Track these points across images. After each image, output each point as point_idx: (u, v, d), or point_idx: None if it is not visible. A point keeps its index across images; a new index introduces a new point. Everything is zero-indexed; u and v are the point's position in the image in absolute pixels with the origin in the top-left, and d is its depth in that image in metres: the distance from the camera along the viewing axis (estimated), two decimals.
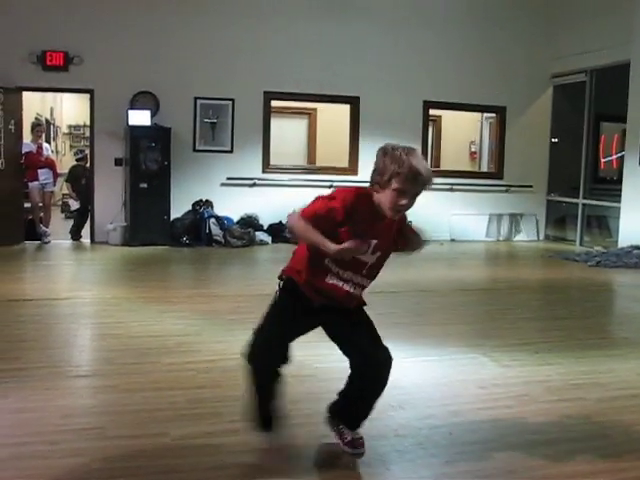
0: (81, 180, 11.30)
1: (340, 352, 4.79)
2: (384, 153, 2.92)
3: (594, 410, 3.96)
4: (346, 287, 3.04)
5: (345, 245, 2.82)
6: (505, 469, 3.15)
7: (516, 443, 3.43)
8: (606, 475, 3.11)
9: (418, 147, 3.00)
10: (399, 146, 2.91)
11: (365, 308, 3.23)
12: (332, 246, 2.84)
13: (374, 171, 2.95)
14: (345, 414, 3.28)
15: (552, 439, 3.50)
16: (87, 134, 12.85)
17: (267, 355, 3.23)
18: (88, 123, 11.45)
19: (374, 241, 2.97)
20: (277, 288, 3.24)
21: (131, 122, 10.49)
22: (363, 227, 2.92)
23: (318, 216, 2.92)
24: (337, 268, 3.02)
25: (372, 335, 3.17)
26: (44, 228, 10.74)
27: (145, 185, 10.53)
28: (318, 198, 3.03)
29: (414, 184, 2.84)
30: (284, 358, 3.20)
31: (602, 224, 12.38)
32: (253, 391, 3.23)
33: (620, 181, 11.16)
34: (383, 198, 2.90)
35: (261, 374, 3.23)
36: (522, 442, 3.44)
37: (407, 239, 3.12)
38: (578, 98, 12.24)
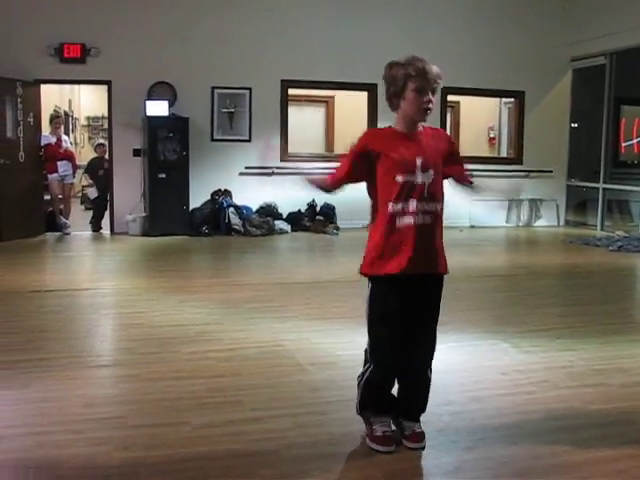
0: (99, 171, 11.35)
1: (359, 340, 4.80)
2: (390, 66, 3.11)
3: (616, 396, 3.93)
4: (418, 220, 3.05)
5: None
6: (527, 455, 3.13)
7: (538, 429, 3.41)
8: (629, 460, 3.09)
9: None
10: (395, 60, 3.13)
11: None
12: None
13: (387, 87, 3.11)
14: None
15: (574, 425, 3.47)
16: (105, 125, 12.88)
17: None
18: (106, 114, 11.48)
19: (419, 159, 3.05)
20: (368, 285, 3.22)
21: (149, 113, 10.51)
22: (396, 149, 3.05)
23: (351, 163, 3.15)
24: (400, 204, 3.04)
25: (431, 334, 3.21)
26: (64, 220, 10.81)
27: (164, 175, 10.55)
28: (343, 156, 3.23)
29: (427, 80, 3.01)
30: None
31: (623, 208, 12.26)
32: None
33: None
34: (407, 107, 3.06)
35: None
36: (544, 428, 3.42)
37: (456, 169, 3.25)
38: (598, 82, 12.09)
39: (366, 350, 3.26)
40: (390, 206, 3.06)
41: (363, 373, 3.26)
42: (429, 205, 3.07)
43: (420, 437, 3.20)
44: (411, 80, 3.00)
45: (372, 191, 3.17)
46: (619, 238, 10.41)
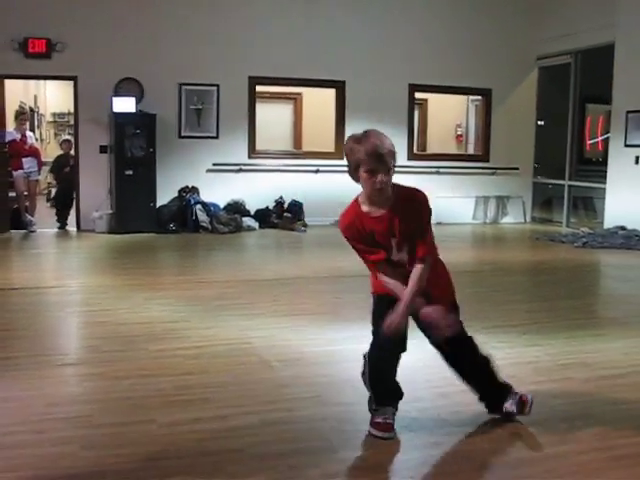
0: (64, 169, 11.22)
1: (326, 337, 4.80)
2: (346, 145, 3.17)
3: (581, 390, 3.98)
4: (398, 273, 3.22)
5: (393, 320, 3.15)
6: (493, 449, 3.17)
7: (504, 424, 3.43)
8: (594, 453, 3.13)
9: (376, 129, 3.17)
10: (353, 136, 3.15)
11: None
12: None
13: (347, 161, 3.16)
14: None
15: (539, 419, 3.50)
16: (71, 122, 12.72)
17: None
18: (72, 111, 11.34)
19: (394, 239, 3.18)
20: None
21: (115, 109, 10.41)
22: (369, 237, 3.16)
23: (359, 250, 3.24)
24: (386, 277, 3.23)
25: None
26: (29, 217, 10.67)
27: (131, 172, 10.46)
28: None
29: (377, 161, 3.03)
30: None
31: (588, 205, 12.43)
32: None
33: (605, 162, 11.19)
34: (364, 187, 3.14)
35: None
36: (510, 422, 3.45)
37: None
38: (563, 80, 12.24)
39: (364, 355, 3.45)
40: (382, 278, 3.24)
41: (364, 365, 3.43)
42: (410, 268, 3.21)
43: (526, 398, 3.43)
44: (362, 163, 3.06)
45: (364, 246, 3.26)
46: (584, 234, 10.55)
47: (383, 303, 3.29)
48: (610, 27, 10.74)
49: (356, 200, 3.22)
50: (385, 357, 3.32)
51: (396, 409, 3.36)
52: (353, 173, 3.13)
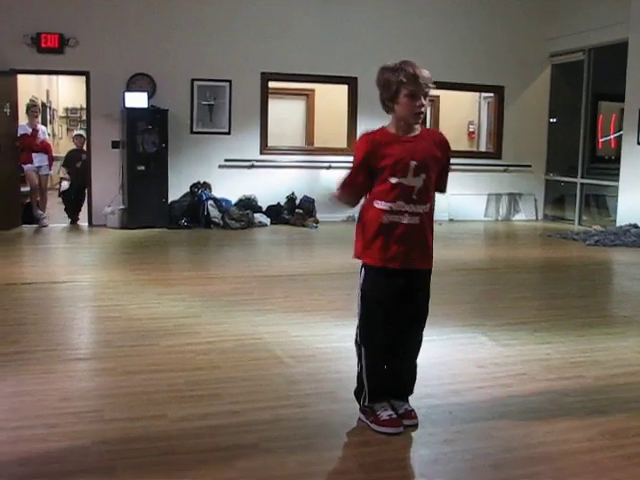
0: (76, 163, 11.26)
1: (338, 333, 4.80)
2: (382, 71, 3.22)
3: (593, 388, 3.97)
4: (404, 220, 3.19)
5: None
6: (504, 447, 3.16)
7: (515, 421, 3.43)
8: (605, 451, 3.12)
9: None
10: (386, 66, 3.23)
11: (357, 286, 3.30)
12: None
13: (380, 91, 3.22)
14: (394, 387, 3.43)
15: (551, 417, 3.50)
16: (84, 117, 12.77)
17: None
18: (84, 106, 11.37)
19: (413, 162, 3.17)
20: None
21: (128, 104, 10.43)
22: (392, 151, 3.16)
23: (358, 171, 3.24)
24: (388, 203, 3.19)
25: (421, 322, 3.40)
26: (40, 211, 10.71)
27: (143, 168, 10.49)
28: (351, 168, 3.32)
29: (418, 85, 3.13)
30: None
31: (600, 203, 12.36)
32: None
33: (618, 160, 11.13)
34: (400, 111, 3.18)
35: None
36: (521, 420, 3.44)
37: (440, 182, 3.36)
38: (576, 77, 12.17)
39: (356, 340, 3.37)
40: (380, 205, 3.21)
41: (359, 363, 3.37)
42: (416, 207, 3.20)
43: (415, 414, 3.35)
44: (403, 86, 3.11)
45: (366, 191, 3.30)
46: (596, 232, 10.50)
47: (380, 276, 3.25)
48: (623, 24, 10.68)
49: (382, 126, 3.27)
50: (380, 348, 3.32)
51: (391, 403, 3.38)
52: (389, 100, 3.16)
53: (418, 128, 3.25)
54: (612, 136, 12.22)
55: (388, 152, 3.17)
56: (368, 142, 3.22)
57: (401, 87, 3.11)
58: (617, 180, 11.02)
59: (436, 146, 3.27)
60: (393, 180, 3.16)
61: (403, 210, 3.18)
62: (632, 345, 4.88)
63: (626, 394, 3.88)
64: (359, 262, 3.37)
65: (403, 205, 3.18)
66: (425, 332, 3.42)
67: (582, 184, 12.18)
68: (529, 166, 12.78)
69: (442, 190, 3.39)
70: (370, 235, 3.24)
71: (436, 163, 3.26)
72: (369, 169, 3.21)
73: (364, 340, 3.32)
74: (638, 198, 10.44)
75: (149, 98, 10.57)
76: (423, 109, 3.15)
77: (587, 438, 3.26)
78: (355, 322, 3.40)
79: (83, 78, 10.88)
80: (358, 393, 3.42)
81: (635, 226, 10.25)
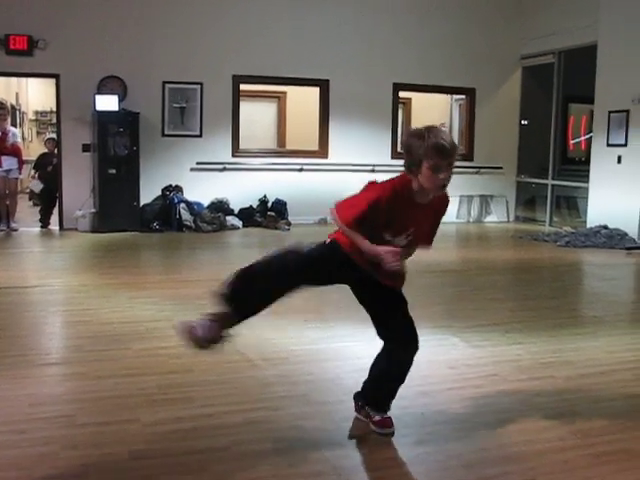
0: (47, 167, 11.14)
1: (311, 336, 4.80)
2: (407, 139, 3.06)
3: (563, 388, 4.01)
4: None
5: (382, 252, 3.01)
6: (476, 447, 3.18)
7: (487, 422, 3.45)
8: (575, 450, 3.16)
9: (441, 126, 3.11)
10: (414, 131, 3.04)
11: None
12: (369, 247, 3.04)
13: (405, 156, 3.05)
14: (373, 397, 3.37)
15: (522, 417, 3.54)
16: (54, 120, 12.64)
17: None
18: (55, 109, 11.27)
19: (412, 229, 3.14)
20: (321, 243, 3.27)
21: (98, 107, 10.34)
22: (402, 217, 3.08)
23: (363, 216, 3.02)
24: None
25: (408, 318, 3.26)
26: (9, 216, 10.56)
27: (114, 171, 10.43)
28: (359, 196, 3.10)
29: (443, 157, 2.94)
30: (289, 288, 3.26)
31: (571, 204, 12.50)
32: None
33: (588, 162, 11.27)
34: (423, 180, 3.00)
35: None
36: (493, 421, 3.47)
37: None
38: (547, 79, 12.30)
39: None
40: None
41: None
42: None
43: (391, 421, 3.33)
44: (426, 158, 2.93)
45: (365, 224, 3.10)
46: (567, 234, 10.61)
47: (336, 253, 3.16)
48: (593, 27, 10.82)
49: (409, 180, 3.07)
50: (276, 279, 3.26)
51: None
52: (413, 166, 2.99)
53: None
54: (582, 138, 12.36)
55: (400, 216, 3.08)
56: (392, 194, 3.04)
57: (424, 159, 2.94)
58: (587, 182, 11.15)
59: (437, 212, 3.25)
60: (386, 236, 3.10)
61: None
62: (602, 345, 4.94)
63: (596, 393, 3.93)
64: None
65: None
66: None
67: (553, 186, 12.32)
68: (500, 168, 12.89)
69: (428, 244, 3.33)
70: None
71: (429, 224, 3.26)
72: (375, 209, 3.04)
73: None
74: (608, 199, 10.57)
75: (120, 101, 10.49)
76: (446, 182, 3.00)
77: (558, 437, 3.30)
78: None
79: (53, 81, 10.78)
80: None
81: (605, 227, 10.38)
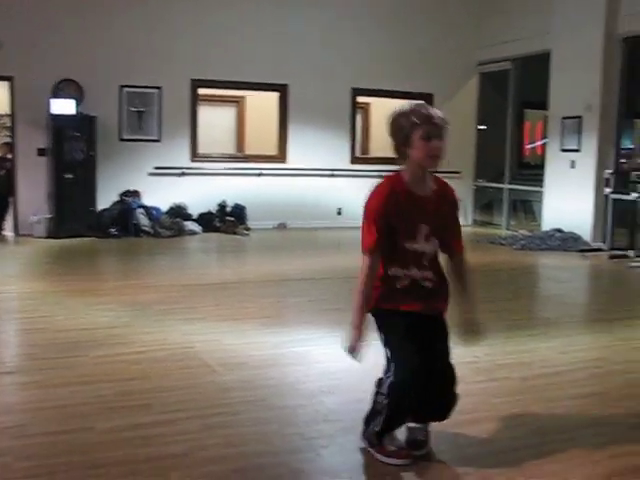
0: (0, 172, 10.95)
1: (270, 341, 4.80)
2: (392, 118, 2.99)
3: (519, 388, 4.08)
4: (416, 283, 3.06)
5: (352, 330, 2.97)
6: (433, 449, 3.21)
7: (444, 424, 3.47)
8: (529, 450, 3.21)
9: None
10: (397, 111, 2.98)
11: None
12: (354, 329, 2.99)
13: (393, 137, 2.99)
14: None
15: (478, 418, 3.58)
16: (9, 123, 12.42)
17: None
18: (9, 112, 11.08)
19: (425, 227, 3.01)
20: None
21: (54, 111, 10.22)
22: (405, 215, 2.97)
23: (379, 233, 2.95)
24: (402, 270, 3.03)
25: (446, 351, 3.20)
26: None
27: (70, 176, 10.30)
28: (365, 222, 3.01)
29: (433, 125, 2.90)
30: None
31: (527, 208, 12.69)
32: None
33: (543, 166, 11.45)
34: (415, 155, 2.93)
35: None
36: (449, 422, 3.49)
37: (449, 239, 3.17)
38: (503, 86, 12.49)
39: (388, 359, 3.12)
40: (390, 270, 3.04)
41: (384, 383, 3.11)
42: (428, 273, 3.08)
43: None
44: (417, 128, 2.89)
45: (385, 234, 3.01)
46: (523, 237, 10.77)
47: (397, 317, 3.05)
48: (546, 35, 11.01)
49: (398, 174, 3.02)
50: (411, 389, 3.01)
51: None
52: (403, 145, 2.93)
53: (431, 181, 3.05)
54: (538, 143, 12.55)
55: (402, 214, 2.98)
56: (385, 199, 2.97)
57: (414, 129, 2.88)
58: (542, 186, 11.33)
59: (446, 204, 3.13)
60: (404, 244, 3.01)
61: (416, 276, 3.10)
62: (555, 346, 5.03)
63: (550, 393, 4.01)
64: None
65: (416, 271, 3.08)
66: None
67: (509, 190, 12.50)
68: (458, 172, 12.99)
69: (458, 245, 3.23)
70: (385, 291, 3.10)
71: (442, 220, 3.11)
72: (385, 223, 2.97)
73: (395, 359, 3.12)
74: (562, 203, 10.76)
75: (77, 105, 10.37)
76: (439, 152, 2.92)
77: (512, 437, 3.35)
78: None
79: (7, 83, 10.60)
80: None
81: (559, 230, 10.56)
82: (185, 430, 3.34)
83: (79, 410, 3.58)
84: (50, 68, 10.39)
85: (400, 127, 2.94)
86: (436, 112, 2.94)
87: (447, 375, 3.15)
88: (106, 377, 4.11)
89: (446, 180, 3.17)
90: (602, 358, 4.76)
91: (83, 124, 10.36)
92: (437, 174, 3.12)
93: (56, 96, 10.40)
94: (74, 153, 10.31)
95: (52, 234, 10.21)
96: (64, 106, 10.26)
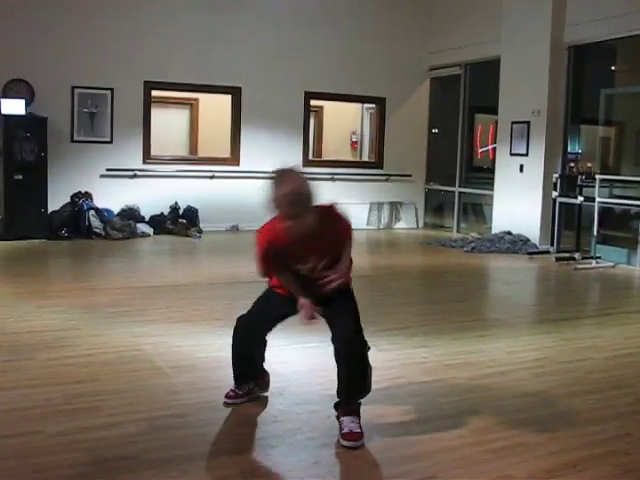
0: None
1: (219, 343, 4.82)
2: (267, 190, 3.21)
3: (465, 388, 4.16)
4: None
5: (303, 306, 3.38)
6: (382, 447, 3.27)
7: (393, 423, 3.56)
8: (474, 447, 3.29)
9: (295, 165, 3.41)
10: (274, 176, 3.23)
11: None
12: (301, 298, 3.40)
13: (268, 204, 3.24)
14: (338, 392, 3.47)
15: (426, 417, 3.66)
16: None
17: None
18: None
19: (313, 258, 3.36)
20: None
21: (3, 111, 10.06)
22: (292, 250, 3.31)
23: (265, 267, 3.47)
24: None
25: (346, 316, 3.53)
26: None
27: (20, 177, 10.14)
28: (256, 250, 3.45)
29: (292, 205, 3.12)
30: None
31: (477, 211, 12.89)
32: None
33: (493, 170, 11.65)
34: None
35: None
36: (398, 422, 3.58)
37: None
38: (454, 90, 12.68)
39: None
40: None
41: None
42: (323, 274, 3.44)
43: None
44: (280, 210, 3.18)
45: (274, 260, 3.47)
46: (473, 240, 10.95)
47: (272, 297, 3.58)
48: (496, 42, 11.22)
49: (276, 221, 3.30)
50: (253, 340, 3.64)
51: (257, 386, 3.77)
52: (275, 210, 3.21)
53: (313, 220, 3.23)
54: (490, 147, 12.76)
55: (286, 252, 3.37)
56: (267, 241, 3.40)
57: (278, 210, 3.22)
58: (492, 189, 11.53)
59: (333, 234, 3.47)
60: (299, 268, 3.42)
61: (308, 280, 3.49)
62: (503, 346, 5.15)
63: (496, 392, 4.11)
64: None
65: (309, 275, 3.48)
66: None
67: (460, 193, 12.69)
68: (410, 175, 13.18)
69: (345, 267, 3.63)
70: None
71: (328, 246, 3.47)
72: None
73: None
74: (511, 206, 10.97)
75: (27, 105, 10.23)
76: (307, 228, 3.22)
77: (459, 435, 3.43)
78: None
79: None
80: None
81: (509, 233, 10.76)
82: (134, 432, 3.35)
83: (28, 414, 3.56)
84: None
85: (269, 201, 3.18)
86: (296, 188, 3.14)
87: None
88: (55, 380, 4.09)
89: (335, 212, 3.44)
90: (547, 358, 4.89)
91: (34, 125, 10.22)
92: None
93: (5, 96, 10.25)
94: (24, 154, 10.16)
95: (2, 236, 10.05)
96: (14, 106, 10.11)
